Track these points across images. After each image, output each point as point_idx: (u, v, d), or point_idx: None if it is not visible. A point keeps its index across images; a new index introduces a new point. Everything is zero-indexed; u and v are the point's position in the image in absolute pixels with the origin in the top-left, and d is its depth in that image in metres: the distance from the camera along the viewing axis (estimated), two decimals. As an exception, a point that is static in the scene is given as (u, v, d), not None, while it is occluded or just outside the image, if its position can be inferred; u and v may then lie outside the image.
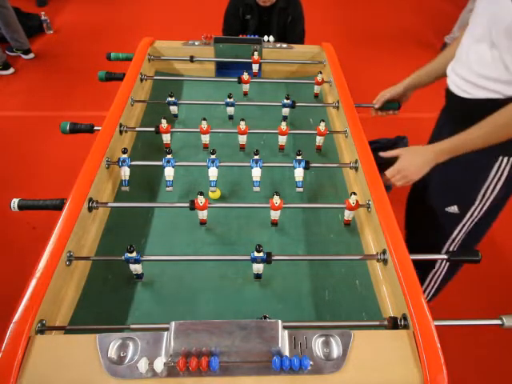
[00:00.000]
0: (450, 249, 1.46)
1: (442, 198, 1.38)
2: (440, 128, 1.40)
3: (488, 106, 1.10)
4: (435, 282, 1.61)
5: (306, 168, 1.17)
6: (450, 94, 1.25)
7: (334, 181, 1.30)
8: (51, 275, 0.82)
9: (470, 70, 1.15)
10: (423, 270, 1.57)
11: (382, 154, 1.28)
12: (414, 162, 1.19)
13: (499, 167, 1.19)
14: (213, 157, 1.15)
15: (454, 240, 1.41)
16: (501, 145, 1.12)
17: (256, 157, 1.16)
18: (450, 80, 1.26)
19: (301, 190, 1.18)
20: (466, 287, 1.70)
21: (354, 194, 1.05)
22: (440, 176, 1.35)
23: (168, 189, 1.16)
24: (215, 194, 1.22)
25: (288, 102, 1.43)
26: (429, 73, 1.41)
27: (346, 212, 1.09)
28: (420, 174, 1.20)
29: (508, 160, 1.18)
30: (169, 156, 1.15)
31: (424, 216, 1.50)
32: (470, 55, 1.16)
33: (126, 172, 1.15)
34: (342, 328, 0.76)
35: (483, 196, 1.26)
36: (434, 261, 1.51)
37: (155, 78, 1.64)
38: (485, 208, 1.30)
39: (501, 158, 1.17)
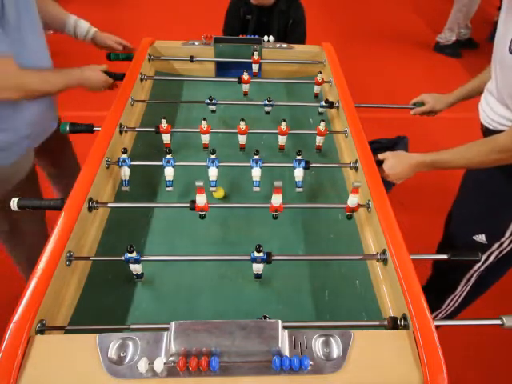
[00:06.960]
0: (469, 281, 1.46)
1: (471, 225, 1.35)
2: None
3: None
4: (453, 305, 1.58)
5: (306, 168, 1.17)
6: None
7: (334, 181, 1.31)
8: (51, 275, 0.82)
9: (486, 101, 1.20)
10: (443, 292, 1.56)
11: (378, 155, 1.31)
12: (395, 168, 1.24)
13: None
14: (213, 157, 1.15)
15: (474, 271, 1.40)
16: None
17: (256, 157, 1.16)
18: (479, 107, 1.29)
19: (301, 189, 1.18)
20: (466, 287, 1.70)
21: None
22: (473, 202, 1.35)
23: (168, 189, 1.16)
24: (219, 193, 1.22)
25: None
26: (475, 88, 1.43)
27: (350, 198, 1.03)
28: (399, 179, 1.25)
29: None
30: (169, 156, 1.15)
31: (449, 239, 1.48)
32: (487, 88, 1.21)
33: (126, 172, 1.15)
34: (342, 328, 0.76)
35: None
36: (456, 284, 1.50)
37: (155, 78, 1.64)
38: None
39: None
